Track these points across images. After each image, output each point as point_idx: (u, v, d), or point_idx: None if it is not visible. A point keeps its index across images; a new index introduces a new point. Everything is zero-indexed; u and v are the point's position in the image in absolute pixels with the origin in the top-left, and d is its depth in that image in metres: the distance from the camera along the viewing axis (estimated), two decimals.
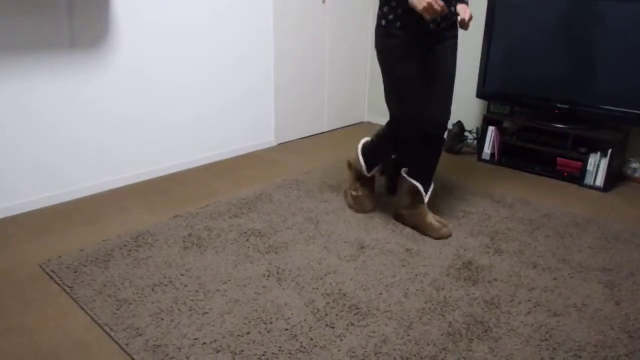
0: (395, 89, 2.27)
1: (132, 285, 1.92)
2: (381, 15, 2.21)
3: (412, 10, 2.06)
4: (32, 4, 2.36)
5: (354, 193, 2.63)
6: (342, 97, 4.27)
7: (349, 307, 1.82)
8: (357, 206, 2.61)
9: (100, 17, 2.63)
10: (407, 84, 2.22)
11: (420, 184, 2.36)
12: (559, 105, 3.14)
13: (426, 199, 2.39)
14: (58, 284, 1.93)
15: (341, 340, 1.65)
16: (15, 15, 2.33)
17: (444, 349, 1.62)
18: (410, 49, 2.18)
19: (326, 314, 1.78)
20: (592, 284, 2.01)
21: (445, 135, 2.35)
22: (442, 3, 1.93)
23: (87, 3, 2.56)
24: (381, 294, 1.91)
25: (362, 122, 4.55)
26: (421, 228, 2.38)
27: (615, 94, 2.93)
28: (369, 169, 2.54)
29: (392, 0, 2.14)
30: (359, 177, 2.61)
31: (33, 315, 1.75)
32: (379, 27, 2.24)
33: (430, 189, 2.41)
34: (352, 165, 2.64)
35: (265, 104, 3.64)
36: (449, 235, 2.36)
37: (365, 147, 2.57)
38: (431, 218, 2.37)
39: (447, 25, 2.22)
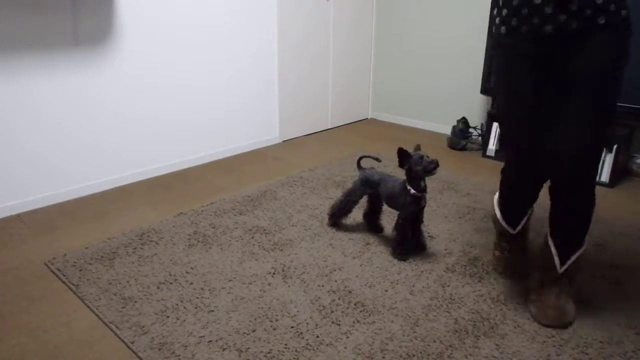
0: (506, 116, 1.76)
1: (138, 283, 1.92)
2: (492, 21, 1.79)
3: (520, 8, 1.55)
4: (37, 2, 2.36)
5: (497, 253, 2.07)
6: (346, 94, 4.26)
7: (354, 304, 1.81)
8: (500, 268, 2.02)
9: (105, 15, 2.63)
10: (520, 108, 1.69)
11: (555, 248, 1.74)
12: None
13: (560, 270, 1.74)
14: (63, 282, 1.93)
15: (347, 337, 1.64)
16: (21, 13, 2.33)
17: (450, 345, 1.61)
18: (522, 62, 1.63)
19: (332, 311, 1.77)
20: (598, 280, 2.00)
21: (581, 174, 1.59)
22: None
23: (91, 1, 2.55)
24: (387, 290, 1.90)
25: (366, 118, 4.54)
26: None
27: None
28: (513, 226, 1.99)
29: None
30: (502, 233, 2.06)
31: (38, 313, 1.76)
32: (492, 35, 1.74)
33: (573, 257, 1.73)
34: (495, 223, 2.09)
35: (269, 102, 3.63)
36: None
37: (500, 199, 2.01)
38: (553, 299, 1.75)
39: (579, 22, 1.50)
